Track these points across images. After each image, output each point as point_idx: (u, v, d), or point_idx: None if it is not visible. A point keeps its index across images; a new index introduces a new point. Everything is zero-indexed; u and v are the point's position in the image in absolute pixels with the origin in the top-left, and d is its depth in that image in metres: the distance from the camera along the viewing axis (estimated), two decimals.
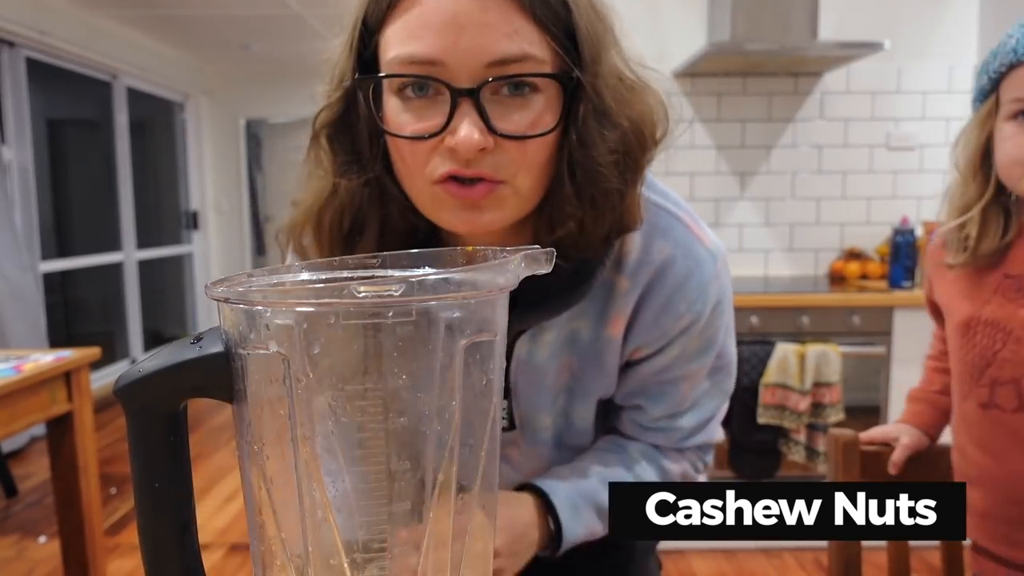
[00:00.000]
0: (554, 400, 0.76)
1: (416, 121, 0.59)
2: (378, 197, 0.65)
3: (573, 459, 0.83)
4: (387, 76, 0.59)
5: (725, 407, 0.82)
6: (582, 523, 0.74)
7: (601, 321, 0.72)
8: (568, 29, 0.59)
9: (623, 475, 0.77)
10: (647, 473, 0.78)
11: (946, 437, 1.11)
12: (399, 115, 0.60)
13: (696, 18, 2.85)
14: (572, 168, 0.61)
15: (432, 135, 0.58)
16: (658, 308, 0.71)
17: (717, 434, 0.82)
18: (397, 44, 0.58)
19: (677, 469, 0.80)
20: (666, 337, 0.72)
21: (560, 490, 0.74)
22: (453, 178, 0.59)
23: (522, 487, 0.75)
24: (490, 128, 0.57)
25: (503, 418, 0.77)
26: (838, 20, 2.83)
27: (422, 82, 0.58)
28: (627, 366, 0.76)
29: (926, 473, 1.04)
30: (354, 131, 0.64)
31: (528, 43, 0.57)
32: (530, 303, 0.68)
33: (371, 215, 0.65)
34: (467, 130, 0.56)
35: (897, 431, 1.07)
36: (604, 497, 0.75)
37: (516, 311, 0.68)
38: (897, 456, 1.04)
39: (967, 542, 1.02)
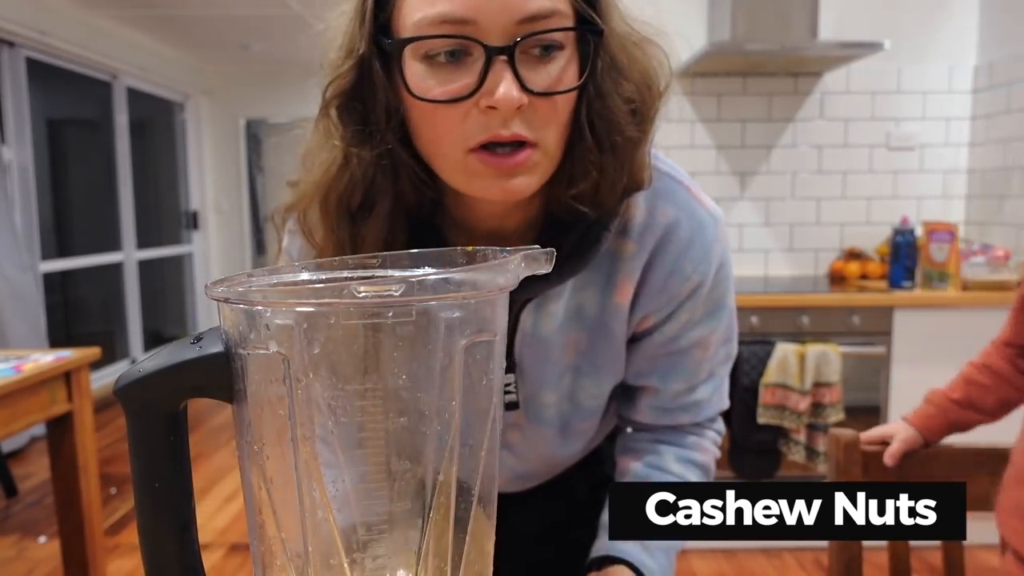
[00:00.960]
0: (560, 378, 0.76)
1: (445, 85, 0.58)
2: (391, 171, 0.64)
3: (579, 444, 0.83)
4: (418, 39, 0.57)
5: (729, 366, 0.82)
6: (670, 572, 0.75)
7: (607, 290, 0.72)
8: None
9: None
10: (694, 477, 0.79)
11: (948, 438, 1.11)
12: (425, 81, 0.58)
13: (696, 18, 2.85)
14: (591, 120, 0.62)
15: (467, 96, 0.57)
16: (665, 272, 0.71)
17: (726, 400, 0.82)
18: (423, 5, 0.57)
19: (707, 459, 0.81)
20: (674, 302, 0.73)
21: (651, 564, 0.73)
22: (485, 147, 0.59)
23: (610, 561, 0.73)
24: (524, 86, 0.57)
25: (507, 395, 0.76)
26: (838, 20, 2.83)
27: (455, 44, 0.57)
28: (636, 340, 0.76)
29: (923, 471, 1.04)
30: (367, 102, 0.63)
31: None
32: None
33: (384, 188, 0.64)
34: (506, 87, 0.56)
35: (895, 429, 1.07)
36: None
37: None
38: (894, 447, 1.03)
39: (967, 542, 1.03)
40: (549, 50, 0.58)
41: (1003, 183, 2.79)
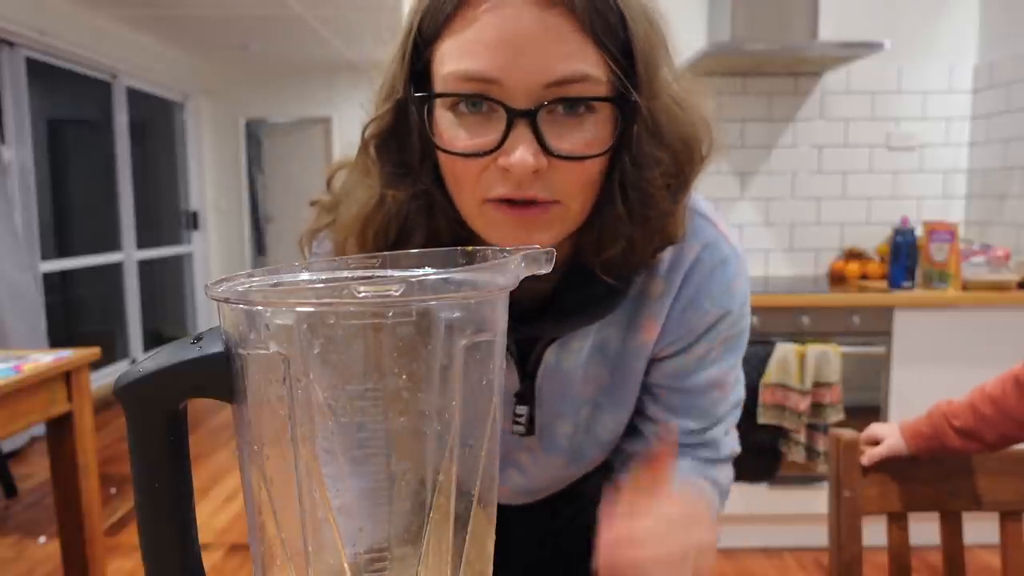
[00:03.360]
0: (578, 410, 0.76)
1: (469, 137, 0.58)
2: (426, 209, 0.64)
3: (584, 471, 0.82)
4: (440, 95, 0.58)
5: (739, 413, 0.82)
6: None
7: (632, 328, 0.72)
8: (625, 47, 0.57)
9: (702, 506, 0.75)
10: (714, 496, 0.78)
11: None
12: (452, 130, 0.59)
13: (696, 18, 2.85)
14: (624, 189, 0.61)
15: (486, 152, 0.57)
16: (685, 303, 0.71)
17: (737, 444, 0.83)
18: (453, 60, 0.57)
19: (725, 477, 0.80)
20: (692, 334, 0.72)
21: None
22: (504, 199, 0.59)
23: None
24: (545, 148, 0.56)
25: (521, 424, 0.76)
26: (838, 20, 2.83)
27: (477, 99, 0.57)
28: (650, 366, 0.75)
29: (923, 470, 1.04)
30: (404, 143, 0.63)
31: (586, 63, 0.55)
32: (567, 310, 0.68)
33: (418, 225, 0.64)
34: (522, 153, 0.55)
35: (886, 434, 1.06)
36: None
37: (551, 318, 0.68)
38: (878, 451, 1.03)
39: (967, 542, 1.02)
40: (576, 111, 0.57)
41: (1003, 183, 2.79)
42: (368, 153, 0.65)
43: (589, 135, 0.57)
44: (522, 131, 0.56)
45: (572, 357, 0.72)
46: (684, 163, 0.63)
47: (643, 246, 0.64)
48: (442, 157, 0.61)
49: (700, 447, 0.78)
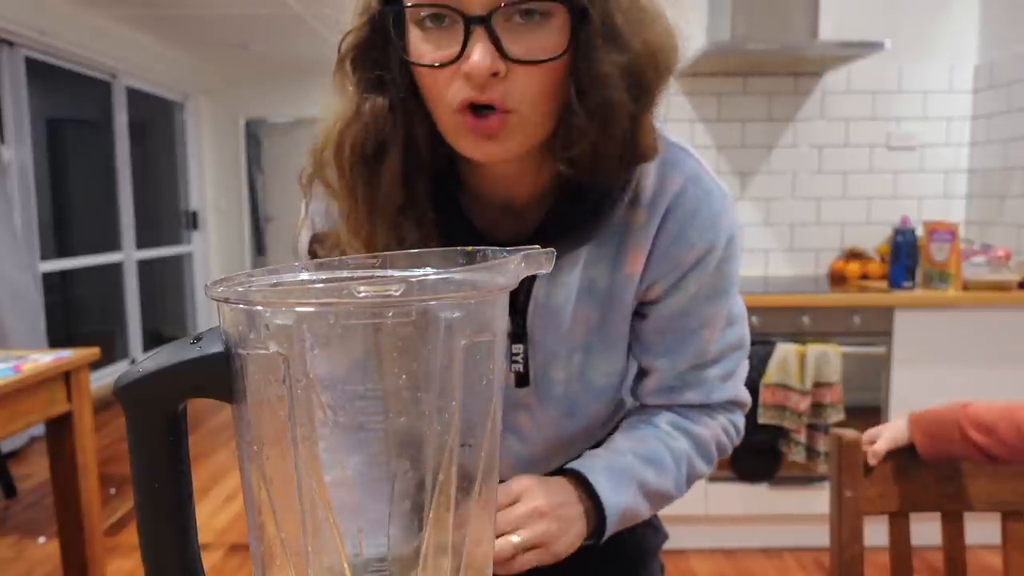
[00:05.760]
0: (570, 354, 0.76)
1: (434, 50, 0.61)
2: (403, 118, 0.66)
3: (587, 432, 0.83)
4: (407, 6, 0.62)
5: (747, 363, 0.82)
6: (623, 497, 0.73)
7: (618, 262, 0.73)
8: None
9: (659, 450, 0.76)
10: (681, 444, 0.78)
11: None
12: (419, 44, 0.62)
13: (696, 18, 2.85)
14: (579, 86, 0.63)
15: (448, 63, 0.60)
16: (670, 238, 0.72)
17: (744, 392, 0.82)
18: None
19: (709, 434, 0.80)
20: (679, 270, 0.73)
21: (596, 469, 0.73)
22: (469, 108, 0.61)
23: (554, 473, 0.75)
24: (502, 54, 0.59)
25: (518, 367, 0.76)
26: (838, 20, 2.83)
27: (438, 11, 0.60)
28: (643, 311, 0.76)
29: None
30: (379, 56, 0.66)
31: None
32: (551, 236, 0.69)
33: (394, 137, 0.66)
34: (479, 55, 0.58)
35: (888, 427, 1.04)
36: (645, 474, 0.75)
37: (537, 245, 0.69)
38: (879, 447, 1.02)
39: (968, 542, 1.02)
40: (533, 17, 0.60)
41: (1003, 183, 2.79)
42: (344, 68, 0.67)
43: (545, 40, 0.60)
44: (479, 37, 0.59)
45: (561, 292, 0.73)
46: (646, 68, 0.64)
47: (605, 147, 0.65)
48: (415, 72, 0.64)
49: (686, 389, 0.78)
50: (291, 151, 6.95)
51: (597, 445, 0.82)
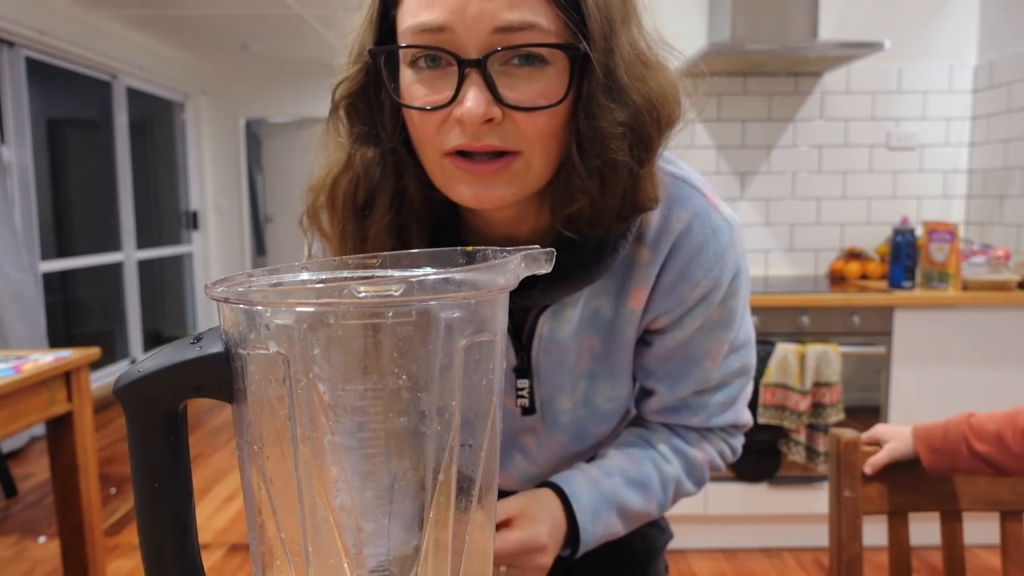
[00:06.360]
0: (575, 383, 0.76)
1: (428, 93, 0.59)
2: (393, 169, 0.65)
3: (594, 449, 0.83)
4: (397, 47, 0.60)
5: (750, 387, 0.81)
6: (601, 526, 0.74)
7: (622, 296, 0.73)
8: (575, 1, 0.58)
9: (650, 475, 0.77)
10: (674, 468, 0.78)
11: None
12: (412, 86, 0.60)
13: (696, 18, 2.85)
14: (581, 143, 0.61)
15: (441, 106, 0.58)
16: (675, 275, 0.71)
17: (745, 415, 0.82)
18: (411, 15, 0.58)
19: (703, 458, 0.80)
20: (684, 306, 0.72)
21: (582, 494, 0.74)
22: (462, 153, 0.60)
23: (543, 484, 0.75)
24: (498, 99, 0.57)
25: (524, 401, 0.77)
26: (838, 20, 2.83)
27: (432, 53, 0.58)
28: (646, 337, 0.76)
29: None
30: (373, 103, 0.65)
31: (533, 12, 0.57)
32: (554, 277, 0.68)
33: (384, 187, 0.65)
34: (473, 100, 0.56)
35: (892, 436, 1.03)
36: (628, 498, 0.76)
37: (540, 286, 0.68)
38: (879, 458, 1.01)
39: (968, 542, 1.02)
40: (530, 62, 0.58)
41: (1003, 183, 2.79)
42: (338, 115, 0.67)
43: (542, 86, 0.58)
44: (474, 80, 0.57)
45: (565, 327, 0.73)
46: (647, 123, 0.63)
47: (604, 202, 0.63)
48: (407, 114, 0.62)
49: (687, 412, 0.79)
50: (291, 151, 6.95)
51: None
